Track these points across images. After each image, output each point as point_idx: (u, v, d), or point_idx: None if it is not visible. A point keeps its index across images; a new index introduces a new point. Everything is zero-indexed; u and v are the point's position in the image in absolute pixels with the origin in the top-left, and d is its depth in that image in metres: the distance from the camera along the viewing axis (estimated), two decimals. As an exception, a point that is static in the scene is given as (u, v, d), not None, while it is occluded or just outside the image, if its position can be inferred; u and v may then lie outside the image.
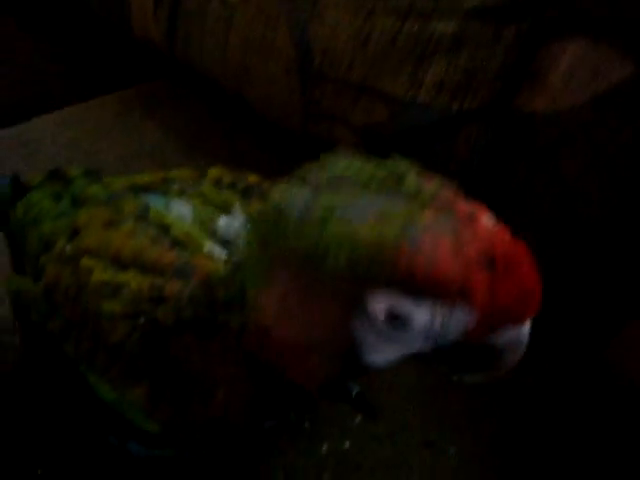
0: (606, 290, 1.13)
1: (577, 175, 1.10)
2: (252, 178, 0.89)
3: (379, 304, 0.54)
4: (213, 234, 0.80)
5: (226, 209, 0.84)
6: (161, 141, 1.48)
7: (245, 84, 1.45)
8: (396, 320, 0.55)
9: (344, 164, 0.59)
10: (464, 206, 0.55)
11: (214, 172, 0.90)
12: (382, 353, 0.61)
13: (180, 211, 0.84)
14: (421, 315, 0.54)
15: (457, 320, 0.54)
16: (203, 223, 0.82)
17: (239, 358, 0.72)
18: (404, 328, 0.56)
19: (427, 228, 0.51)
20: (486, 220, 0.54)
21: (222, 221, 0.82)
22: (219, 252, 0.78)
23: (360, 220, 0.52)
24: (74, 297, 0.80)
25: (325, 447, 1.07)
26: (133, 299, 0.75)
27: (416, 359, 0.63)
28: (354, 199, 0.54)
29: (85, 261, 0.79)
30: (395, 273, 0.51)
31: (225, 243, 0.79)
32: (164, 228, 0.81)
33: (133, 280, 0.76)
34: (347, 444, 1.07)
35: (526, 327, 0.58)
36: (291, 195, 0.58)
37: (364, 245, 0.51)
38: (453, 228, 0.52)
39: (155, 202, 0.86)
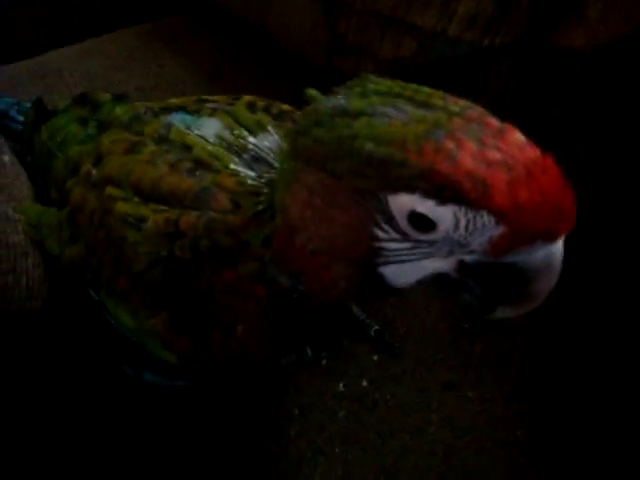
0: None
1: (617, 111, 1.05)
2: (285, 106, 0.87)
3: (401, 204, 0.53)
4: (242, 152, 0.79)
5: (258, 129, 0.83)
6: (181, 74, 1.44)
7: (268, 17, 1.40)
8: (419, 222, 0.54)
9: (374, 82, 0.59)
10: (493, 121, 0.53)
11: (248, 97, 0.89)
12: (403, 269, 0.59)
13: (206, 129, 0.82)
14: (444, 216, 0.53)
15: (482, 227, 0.53)
16: (231, 142, 0.80)
17: (259, 290, 0.71)
18: (427, 232, 0.55)
19: (453, 132, 0.51)
20: (514, 134, 0.53)
21: (253, 139, 0.81)
22: (247, 169, 0.76)
23: (388, 120, 0.53)
24: (98, 222, 0.80)
25: (341, 385, 1.05)
26: (153, 234, 0.74)
27: (440, 286, 0.61)
28: (384, 104, 0.54)
29: (109, 189, 0.79)
30: (416, 170, 0.50)
31: (255, 160, 0.78)
32: (186, 148, 0.79)
33: (152, 215, 0.75)
34: (364, 383, 1.06)
35: (558, 248, 0.55)
36: (325, 100, 0.59)
37: (388, 140, 0.52)
38: (479, 135, 0.51)
39: (179, 121, 0.84)
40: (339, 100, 0.58)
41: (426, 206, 0.52)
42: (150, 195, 0.77)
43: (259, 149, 0.80)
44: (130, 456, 0.97)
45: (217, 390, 1.01)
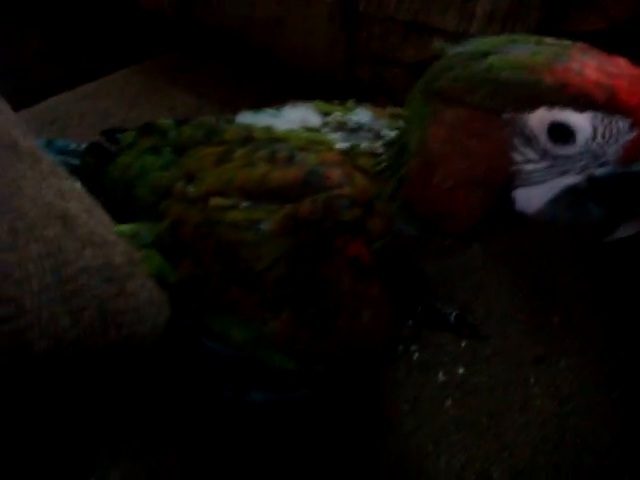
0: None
1: None
2: None
3: (541, 119, 0.58)
4: (342, 127, 0.81)
5: (348, 110, 0.85)
6: (194, 103, 1.43)
7: (277, 38, 1.42)
8: (560, 134, 0.59)
9: (480, 40, 0.65)
10: (601, 51, 0.60)
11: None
12: (535, 191, 0.63)
13: (291, 120, 0.85)
14: (583, 125, 0.58)
15: (617, 133, 0.58)
16: (325, 122, 0.83)
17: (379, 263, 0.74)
18: (568, 142, 0.59)
19: (574, 56, 0.57)
20: (620, 58, 0.59)
21: (349, 116, 0.83)
22: (353, 139, 0.79)
23: (517, 53, 0.59)
24: (206, 233, 0.79)
25: (441, 375, 1.06)
26: (274, 233, 0.74)
27: (568, 204, 0.64)
28: (507, 45, 0.61)
29: (214, 201, 0.78)
30: (553, 86, 0.56)
31: (359, 131, 0.80)
32: (276, 141, 0.81)
33: (267, 216, 0.75)
34: (461, 369, 1.07)
35: None
36: (451, 48, 0.65)
37: (522, 67, 0.58)
38: (595, 57, 0.58)
39: (259, 118, 0.87)
40: (464, 47, 0.64)
41: (565, 114, 0.57)
42: (259, 195, 0.77)
43: (359, 123, 0.82)
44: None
45: (331, 394, 0.98)
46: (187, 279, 0.82)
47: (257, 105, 0.89)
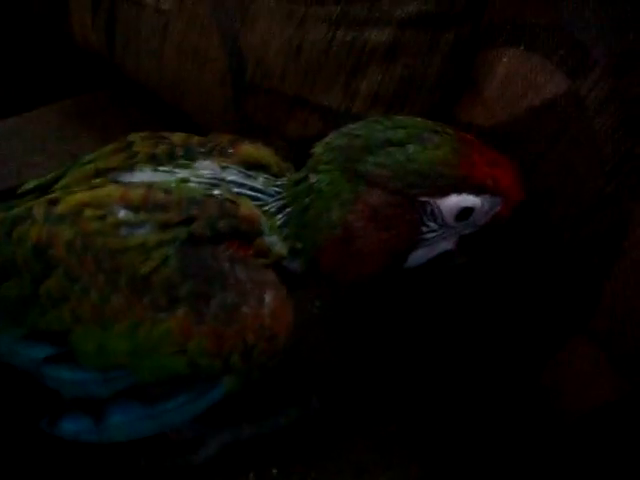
0: (542, 310, 1.08)
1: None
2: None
3: (452, 203, 0.75)
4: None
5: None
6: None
7: (181, 94, 1.40)
8: (463, 214, 0.77)
9: (383, 120, 0.80)
10: (465, 135, 0.79)
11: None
12: (424, 251, 0.81)
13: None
14: (478, 205, 0.76)
15: (494, 207, 0.78)
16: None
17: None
18: (466, 219, 0.78)
19: (463, 149, 0.75)
20: (478, 141, 0.78)
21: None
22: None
23: (425, 145, 0.74)
24: (81, 247, 0.77)
25: (252, 476, 1.03)
26: (161, 228, 0.76)
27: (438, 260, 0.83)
28: (413, 135, 0.75)
29: (89, 211, 0.78)
30: (460, 178, 0.74)
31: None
32: None
33: (153, 219, 0.77)
34: (274, 470, 1.03)
35: None
36: (369, 130, 0.78)
37: (438, 162, 0.74)
38: (473, 148, 0.76)
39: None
40: (381, 133, 0.76)
41: (470, 199, 0.75)
42: (140, 207, 0.78)
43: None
44: None
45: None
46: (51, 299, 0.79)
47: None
